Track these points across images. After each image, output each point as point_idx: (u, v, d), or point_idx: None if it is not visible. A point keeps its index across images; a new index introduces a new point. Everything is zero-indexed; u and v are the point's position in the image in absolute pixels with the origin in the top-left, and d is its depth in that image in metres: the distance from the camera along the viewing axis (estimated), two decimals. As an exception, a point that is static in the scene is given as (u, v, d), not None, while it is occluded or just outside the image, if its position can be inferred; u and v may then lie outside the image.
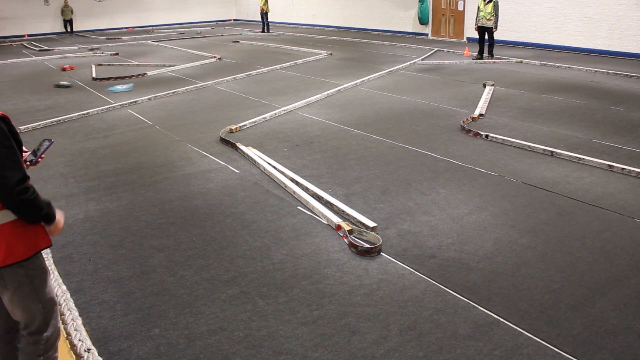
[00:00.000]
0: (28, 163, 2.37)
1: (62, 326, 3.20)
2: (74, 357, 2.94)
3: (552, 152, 6.08)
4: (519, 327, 3.10)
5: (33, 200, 2.14)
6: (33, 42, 20.76)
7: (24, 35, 23.38)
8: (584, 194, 4.99)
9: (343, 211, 4.62)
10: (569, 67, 11.82)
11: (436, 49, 15.50)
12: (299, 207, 4.84)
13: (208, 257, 4.00)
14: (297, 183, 5.31)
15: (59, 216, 2.34)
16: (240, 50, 16.72)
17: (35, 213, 2.18)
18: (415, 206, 4.82)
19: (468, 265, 3.79)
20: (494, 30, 12.90)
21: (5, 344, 2.51)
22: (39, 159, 2.40)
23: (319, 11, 23.76)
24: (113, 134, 7.48)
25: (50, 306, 2.40)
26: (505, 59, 13.20)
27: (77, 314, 3.30)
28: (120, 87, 10.63)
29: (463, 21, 17.43)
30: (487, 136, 6.74)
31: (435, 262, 3.86)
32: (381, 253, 3.99)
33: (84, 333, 3.11)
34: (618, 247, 4.00)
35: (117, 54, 16.23)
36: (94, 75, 12.16)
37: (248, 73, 12.15)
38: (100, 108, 8.88)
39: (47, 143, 2.44)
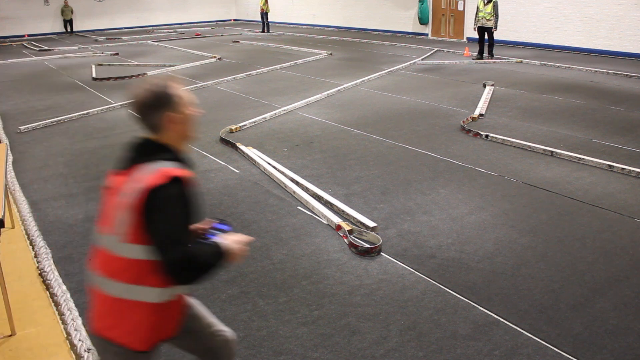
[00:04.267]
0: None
1: (62, 326, 3.20)
2: (74, 357, 2.94)
3: (552, 152, 6.08)
4: (519, 327, 3.10)
5: (193, 269, 1.71)
6: (33, 42, 20.75)
7: (24, 35, 23.36)
8: (584, 194, 4.99)
9: (343, 211, 4.62)
10: (569, 67, 11.83)
11: (436, 49, 15.49)
12: (299, 207, 4.84)
13: (208, 257, 3.99)
14: (297, 183, 5.31)
15: (232, 244, 1.84)
16: (240, 50, 16.72)
17: (200, 275, 1.76)
18: (415, 206, 4.82)
19: (468, 265, 3.79)
20: (493, 30, 12.90)
21: None
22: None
23: (319, 11, 23.75)
24: (113, 134, 7.48)
25: None
26: (505, 59, 13.20)
27: (77, 314, 3.30)
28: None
29: (463, 21, 17.42)
30: (487, 136, 6.74)
31: (435, 262, 3.86)
32: (381, 253, 3.99)
33: (84, 333, 3.11)
34: (618, 247, 4.00)
35: (117, 54, 16.23)
36: (94, 75, 12.16)
37: (248, 73, 12.15)
38: (100, 108, 8.88)
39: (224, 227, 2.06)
